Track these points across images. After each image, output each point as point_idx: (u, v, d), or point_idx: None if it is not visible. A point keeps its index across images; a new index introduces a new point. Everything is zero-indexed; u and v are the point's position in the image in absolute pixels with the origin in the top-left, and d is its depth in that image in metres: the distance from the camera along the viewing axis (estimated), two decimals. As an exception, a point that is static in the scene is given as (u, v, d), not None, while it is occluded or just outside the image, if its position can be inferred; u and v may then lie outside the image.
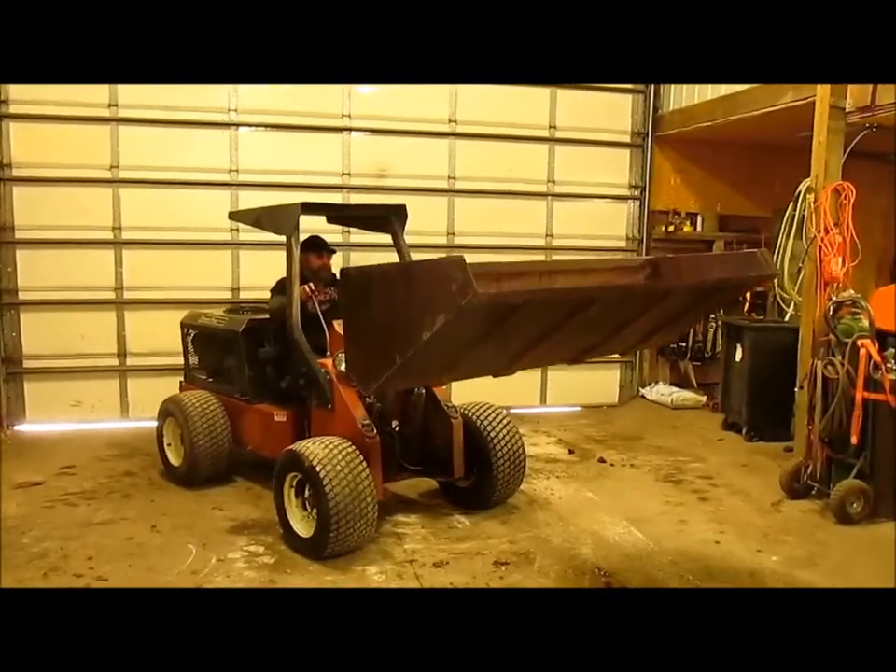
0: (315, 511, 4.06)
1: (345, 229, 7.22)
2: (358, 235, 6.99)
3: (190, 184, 7.12)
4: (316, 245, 5.27)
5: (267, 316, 5.20)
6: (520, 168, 7.81)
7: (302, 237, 5.23)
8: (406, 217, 5.48)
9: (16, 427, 7.02)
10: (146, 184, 7.05)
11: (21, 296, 6.98)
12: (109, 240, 7.07)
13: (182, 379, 6.05)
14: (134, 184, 7.05)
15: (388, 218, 5.41)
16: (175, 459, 5.41)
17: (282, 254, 4.91)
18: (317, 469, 3.96)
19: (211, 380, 5.66)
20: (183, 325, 5.93)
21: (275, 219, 4.94)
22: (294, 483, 4.22)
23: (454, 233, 7.75)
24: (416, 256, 7.34)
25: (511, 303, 2.71)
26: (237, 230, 7.17)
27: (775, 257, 6.06)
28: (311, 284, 4.90)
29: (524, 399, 8.00)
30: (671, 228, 8.16)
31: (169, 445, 5.48)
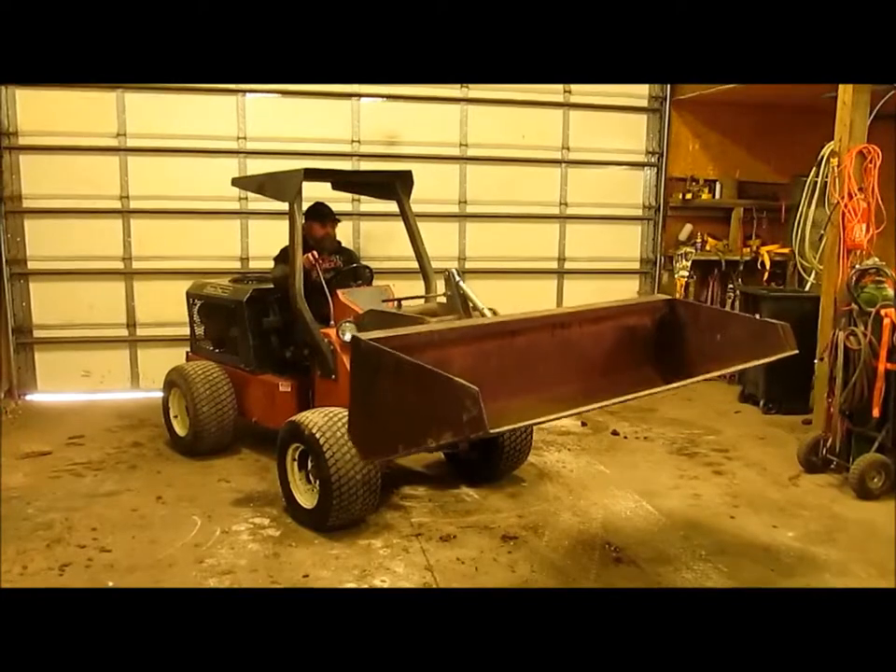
0: (318, 483, 3.99)
1: (355, 197, 7.10)
2: (368, 204, 6.88)
3: (198, 152, 7.01)
4: (320, 214, 5.15)
5: (271, 286, 5.10)
6: (534, 134, 7.62)
7: (308, 204, 5.14)
8: (412, 183, 5.34)
9: (27, 397, 7.02)
10: (153, 152, 6.95)
11: (31, 265, 6.94)
12: (117, 209, 6.99)
13: (188, 350, 6.00)
14: (142, 152, 6.94)
15: (393, 185, 5.28)
16: (181, 430, 5.37)
17: (291, 223, 4.80)
18: (317, 436, 3.89)
19: (217, 350, 5.60)
20: (188, 295, 5.86)
21: (277, 186, 4.83)
22: (297, 456, 4.15)
23: (465, 202, 7.59)
24: (428, 225, 7.27)
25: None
26: (246, 198, 7.08)
27: (796, 224, 5.89)
28: (314, 252, 4.79)
29: (536, 371, 7.89)
30: (689, 195, 7.95)
31: (175, 417, 5.44)
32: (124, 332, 7.18)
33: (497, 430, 2.48)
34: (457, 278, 4.10)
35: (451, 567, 3.70)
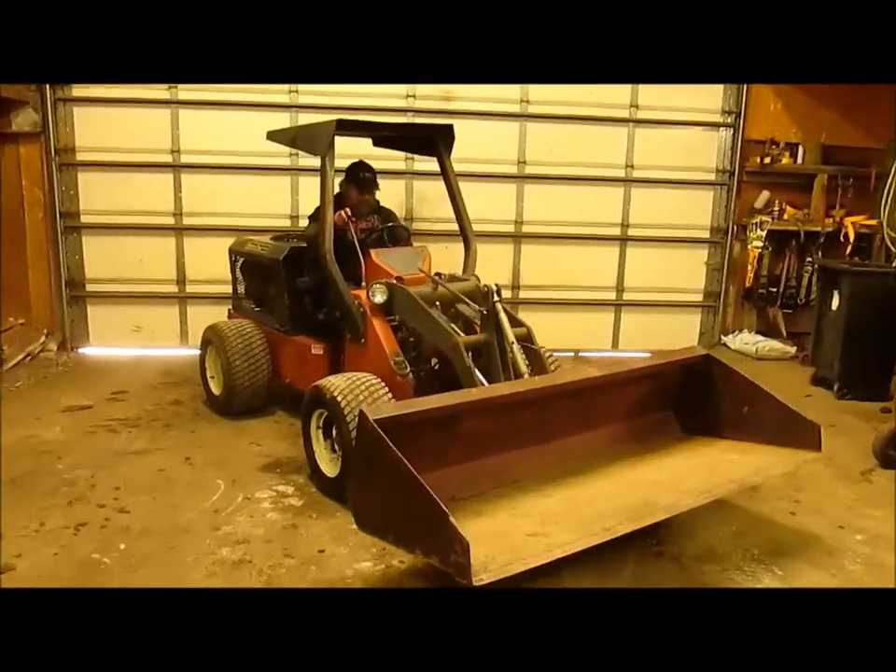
0: (342, 451, 3.79)
1: (408, 155, 6.81)
2: (422, 162, 6.58)
3: (250, 105, 6.81)
4: (359, 181, 4.88)
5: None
6: (599, 92, 7.11)
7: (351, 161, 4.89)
8: (453, 138, 5.03)
9: (80, 350, 7.07)
10: (205, 105, 6.80)
11: (83, 219, 6.93)
12: (168, 163, 6.89)
13: (230, 308, 5.87)
14: (193, 105, 6.80)
15: (434, 140, 4.96)
16: (216, 389, 5.27)
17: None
18: (338, 398, 3.70)
19: (257, 309, 5.45)
20: (231, 252, 5.71)
21: (310, 138, 4.58)
22: (321, 423, 3.96)
23: (524, 162, 7.19)
24: (485, 186, 6.98)
25: None
26: (297, 154, 6.86)
27: (885, 192, 5.34)
28: (347, 210, 4.54)
29: (593, 343, 7.53)
30: (767, 160, 7.32)
31: (212, 378, 5.33)
32: (174, 288, 7.13)
33: (482, 582, 2.40)
34: (496, 298, 3.76)
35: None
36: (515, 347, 3.66)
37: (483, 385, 3.61)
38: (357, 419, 3.54)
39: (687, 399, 3.99)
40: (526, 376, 3.58)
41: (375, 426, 2.70)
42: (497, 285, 3.82)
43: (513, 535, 2.88)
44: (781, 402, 3.67)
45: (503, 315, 3.73)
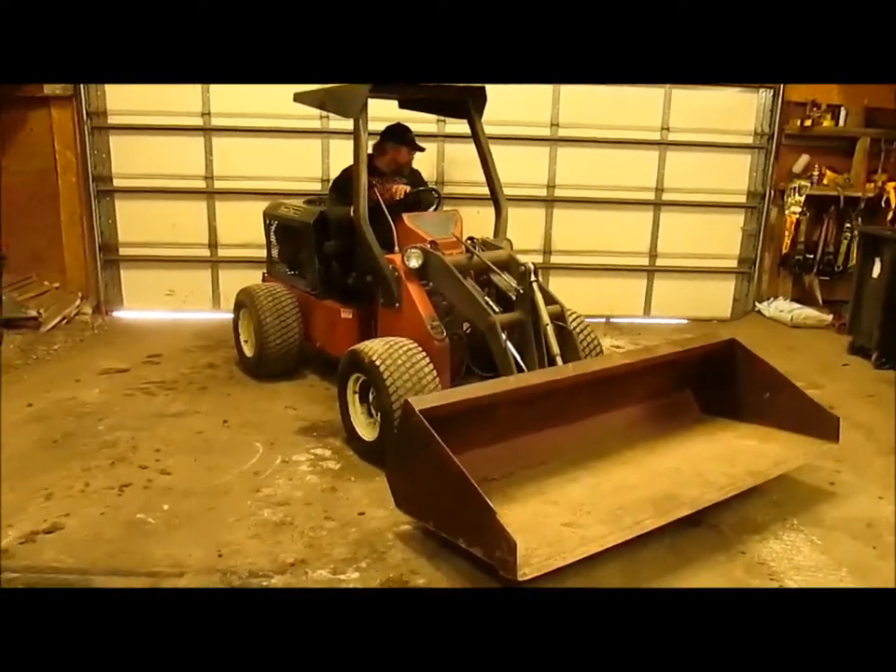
0: (380, 415, 3.81)
1: (440, 118, 6.72)
2: (454, 125, 6.49)
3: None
4: (407, 139, 4.85)
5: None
6: (636, 51, 6.96)
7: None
8: (485, 100, 4.95)
9: (114, 314, 7.15)
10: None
11: (116, 183, 6.95)
12: (199, 126, 6.86)
13: (265, 271, 5.89)
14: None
15: (465, 102, 4.88)
16: (249, 352, 5.33)
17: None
18: (378, 364, 3.71)
19: (290, 273, 5.47)
20: (265, 215, 5.71)
21: (340, 101, 4.51)
22: (357, 388, 3.98)
23: (558, 124, 7.07)
24: (518, 149, 6.88)
25: None
26: (327, 117, 6.80)
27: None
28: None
29: (625, 309, 7.46)
30: (808, 122, 7.12)
31: (246, 342, 5.38)
32: (206, 252, 7.15)
33: (526, 577, 2.49)
34: (532, 278, 3.74)
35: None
36: (549, 329, 3.67)
37: (517, 363, 3.65)
38: (395, 383, 3.62)
39: (709, 383, 4.04)
40: (558, 359, 3.60)
41: (421, 417, 2.73)
42: (533, 264, 3.81)
43: (547, 525, 2.94)
44: (805, 394, 3.71)
45: (539, 296, 3.72)
